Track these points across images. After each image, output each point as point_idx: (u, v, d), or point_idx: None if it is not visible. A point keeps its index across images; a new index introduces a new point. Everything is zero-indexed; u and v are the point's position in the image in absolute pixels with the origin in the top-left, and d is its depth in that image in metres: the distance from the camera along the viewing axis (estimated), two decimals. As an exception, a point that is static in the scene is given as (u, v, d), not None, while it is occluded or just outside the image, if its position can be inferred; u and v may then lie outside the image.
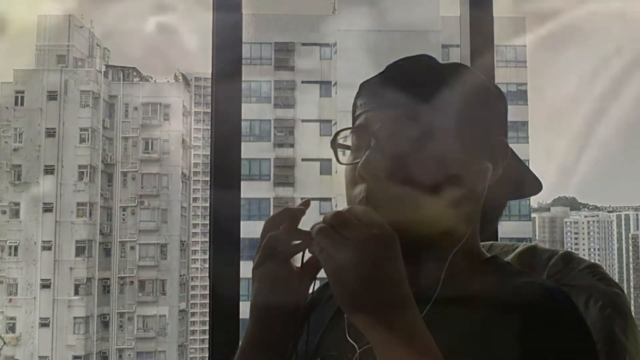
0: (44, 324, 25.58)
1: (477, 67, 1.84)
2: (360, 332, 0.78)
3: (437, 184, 0.86)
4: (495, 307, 0.81)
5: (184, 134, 28.81)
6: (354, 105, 0.94)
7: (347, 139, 0.92)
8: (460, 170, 0.87)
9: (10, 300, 25.76)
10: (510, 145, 0.92)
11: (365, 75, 0.95)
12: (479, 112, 0.90)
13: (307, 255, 0.87)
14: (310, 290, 0.91)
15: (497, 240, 1.11)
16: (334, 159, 0.93)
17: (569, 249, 1.13)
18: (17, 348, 24.66)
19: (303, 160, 24.29)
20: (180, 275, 28.03)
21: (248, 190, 21.26)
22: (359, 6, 23.55)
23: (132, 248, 27.50)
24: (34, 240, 25.99)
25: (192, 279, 29.70)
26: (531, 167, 0.98)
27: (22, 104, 26.66)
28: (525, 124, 23.35)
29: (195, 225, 30.24)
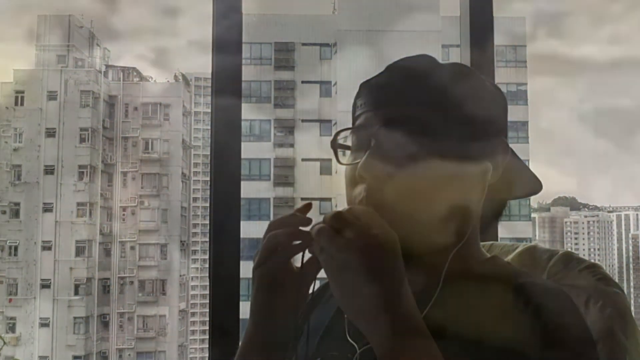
0: (44, 324, 25.57)
1: (477, 67, 1.84)
2: (360, 333, 0.78)
3: (437, 184, 0.86)
4: (495, 307, 0.81)
5: (184, 134, 28.80)
6: (354, 106, 0.94)
7: (347, 139, 0.92)
8: (461, 171, 0.87)
9: (10, 300, 25.75)
10: (510, 145, 0.92)
11: (365, 75, 0.95)
12: (478, 112, 0.90)
13: (307, 255, 0.87)
14: (310, 291, 0.91)
15: (497, 240, 1.11)
16: (334, 159, 0.93)
17: (569, 249, 1.12)
18: (17, 348, 24.66)
19: (303, 160, 24.28)
20: (180, 275, 28.03)
21: (248, 190, 21.26)
22: (359, 6, 23.55)
23: (132, 248, 27.50)
24: (34, 240, 25.99)
25: (192, 279, 29.70)
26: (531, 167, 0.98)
27: (22, 104, 26.65)
28: (525, 124, 23.34)
29: (195, 225, 30.24)
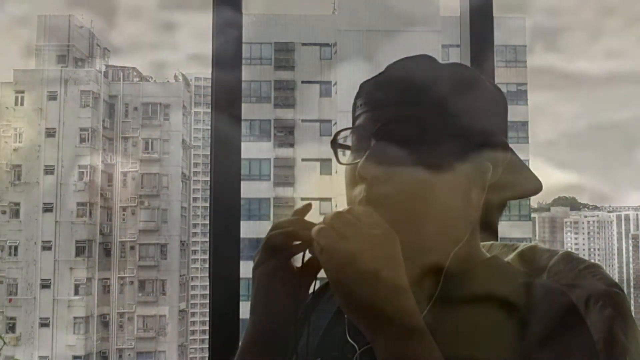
0: (44, 324, 25.59)
1: (477, 67, 1.84)
2: (361, 333, 0.78)
3: (437, 184, 0.86)
4: (495, 307, 0.81)
5: (184, 134, 28.81)
6: (354, 105, 0.94)
7: (347, 139, 0.92)
8: (460, 171, 0.87)
9: (10, 300, 25.76)
10: (510, 145, 0.92)
11: (365, 75, 0.95)
12: (478, 112, 0.90)
13: (308, 255, 0.87)
14: (311, 291, 0.91)
15: (497, 240, 1.11)
16: (334, 159, 0.93)
17: (569, 249, 1.12)
18: (17, 348, 24.66)
19: (303, 160, 24.29)
20: (180, 275, 28.04)
21: (248, 190, 21.28)
22: (359, 6, 23.56)
23: (132, 248, 27.51)
24: (34, 240, 26.00)
25: (192, 279, 29.72)
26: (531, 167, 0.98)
27: (22, 104, 26.66)
28: (525, 124, 23.36)
29: (195, 225, 30.26)
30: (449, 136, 0.86)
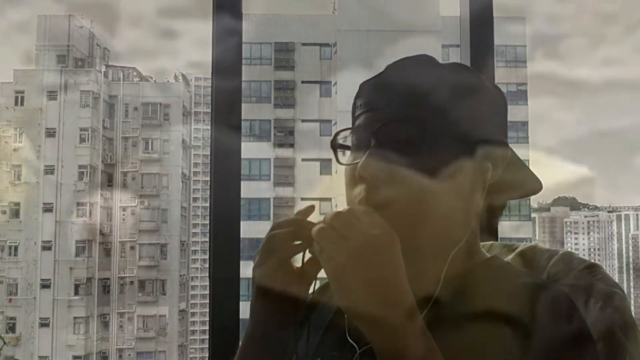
0: (44, 324, 25.59)
1: (477, 67, 1.84)
2: (361, 333, 0.78)
3: (437, 184, 0.86)
4: (495, 307, 0.81)
5: (184, 134, 28.81)
6: (354, 106, 0.94)
7: (347, 139, 0.92)
8: (460, 171, 0.87)
9: (10, 300, 25.76)
10: (510, 145, 0.92)
11: (365, 75, 0.95)
12: (478, 112, 0.90)
13: (308, 255, 0.87)
14: (311, 291, 0.91)
15: (497, 240, 1.11)
16: (334, 159, 0.93)
17: (569, 249, 1.12)
18: (17, 348, 24.67)
19: (303, 160, 24.29)
20: (180, 275, 28.04)
21: (248, 190, 21.28)
22: (359, 6, 23.56)
23: (132, 248, 27.51)
24: (34, 240, 26.00)
25: (192, 279, 29.72)
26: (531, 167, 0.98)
27: (22, 104, 26.66)
28: (525, 124, 23.35)
29: (195, 225, 30.26)
30: (448, 136, 0.86)
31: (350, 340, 0.87)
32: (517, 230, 21.13)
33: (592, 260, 1.02)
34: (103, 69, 28.31)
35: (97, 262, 26.50)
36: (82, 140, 26.65)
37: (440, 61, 0.93)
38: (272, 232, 0.87)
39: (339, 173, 0.94)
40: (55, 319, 25.60)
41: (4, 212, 26.25)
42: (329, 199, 21.40)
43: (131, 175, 27.85)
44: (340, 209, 0.81)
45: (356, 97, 0.94)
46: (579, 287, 0.94)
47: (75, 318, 25.80)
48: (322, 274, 0.84)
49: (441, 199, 0.86)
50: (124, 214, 27.61)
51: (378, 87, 0.91)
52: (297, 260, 0.89)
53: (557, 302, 0.82)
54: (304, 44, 24.85)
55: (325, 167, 22.89)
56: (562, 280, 0.95)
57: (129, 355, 27.01)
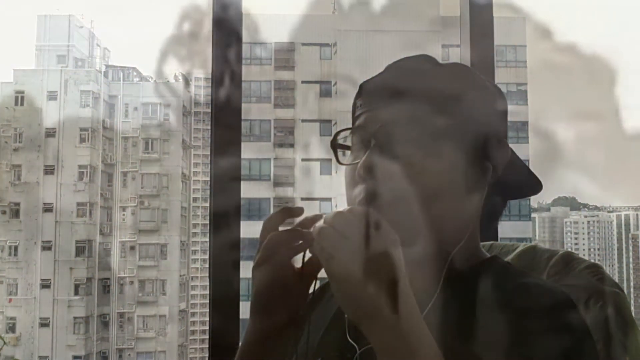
0: (44, 324, 25.57)
1: (477, 67, 1.84)
2: (361, 333, 0.78)
3: (436, 184, 0.86)
4: (495, 307, 0.81)
5: (184, 134, 28.80)
6: (354, 106, 0.94)
7: (347, 139, 0.92)
8: (461, 171, 0.87)
9: (10, 300, 25.75)
10: (510, 145, 0.92)
11: (365, 75, 0.95)
12: (478, 113, 0.90)
13: (308, 255, 0.87)
14: (311, 291, 0.91)
15: (497, 240, 1.11)
16: (334, 159, 0.93)
17: (569, 249, 1.13)
18: (17, 348, 24.65)
19: (303, 160, 24.29)
20: (180, 275, 28.02)
21: (248, 190, 21.26)
22: (359, 6, 23.56)
23: (132, 248, 27.50)
24: (34, 240, 25.98)
25: (192, 279, 29.69)
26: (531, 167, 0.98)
27: (22, 104, 26.65)
28: (525, 124, 23.33)
29: (195, 225, 30.23)
30: (448, 136, 0.86)
31: (350, 340, 0.87)
32: (517, 230, 21.11)
33: (592, 260, 1.02)
34: (103, 69, 28.30)
35: (97, 262, 26.49)
36: (82, 140, 26.63)
37: (440, 61, 0.93)
38: (273, 233, 0.87)
39: (339, 173, 0.94)
40: (55, 319, 25.58)
41: (4, 212, 26.23)
42: (329, 199, 21.40)
43: (131, 175, 27.83)
44: (340, 209, 0.81)
45: (356, 97, 0.94)
46: (579, 287, 0.94)
47: (75, 318, 25.77)
48: (322, 273, 0.84)
49: (441, 199, 0.86)
50: (124, 214, 27.59)
51: (378, 87, 0.91)
52: (297, 260, 0.89)
53: (557, 302, 0.82)
54: (304, 44, 24.84)
55: (325, 167, 22.88)
56: (562, 281, 0.95)
57: (129, 355, 26.99)
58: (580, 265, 0.97)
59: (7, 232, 25.91)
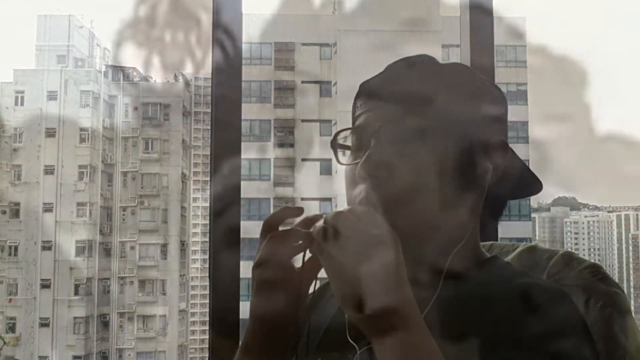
0: (44, 324, 25.57)
1: (477, 67, 1.84)
2: (361, 333, 0.78)
3: (437, 184, 0.86)
4: (495, 307, 0.81)
5: (184, 134, 28.80)
6: (354, 106, 0.94)
7: (347, 139, 0.92)
8: (460, 171, 0.87)
9: (10, 300, 25.75)
10: (510, 145, 0.92)
11: (365, 75, 0.95)
12: (478, 113, 0.90)
13: (308, 255, 0.87)
14: (311, 290, 0.91)
15: (497, 240, 1.11)
16: (334, 159, 0.93)
17: (569, 249, 1.13)
18: (17, 348, 24.65)
19: (303, 160, 24.29)
20: (180, 275, 28.02)
21: (248, 190, 21.26)
22: (359, 6, 23.56)
23: (132, 248, 27.50)
24: (34, 240, 25.98)
25: (192, 279, 29.70)
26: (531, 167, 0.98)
27: (22, 104, 26.65)
28: (525, 124, 23.33)
29: (195, 225, 30.23)
30: (448, 137, 0.86)
31: (350, 340, 0.86)
32: (517, 230, 21.11)
33: (592, 260, 1.02)
34: (103, 69, 28.31)
35: (97, 262, 26.48)
36: (82, 140, 26.63)
37: (440, 61, 0.93)
38: (273, 233, 0.87)
39: (339, 173, 0.94)
40: (55, 319, 25.58)
41: (4, 212, 26.23)
42: (329, 199, 21.40)
43: (131, 175, 27.83)
44: (340, 209, 0.81)
45: (356, 97, 0.94)
46: (579, 287, 0.94)
47: (75, 318, 25.77)
48: (322, 273, 0.84)
49: (441, 199, 0.86)
50: (124, 214, 27.59)
51: (378, 87, 0.91)
52: (297, 260, 0.89)
53: (557, 302, 0.82)
54: (304, 44, 24.84)
55: (325, 167, 22.88)
56: (562, 281, 0.95)
57: (129, 355, 27.00)
58: (580, 265, 0.97)
59: (7, 232, 25.92)
